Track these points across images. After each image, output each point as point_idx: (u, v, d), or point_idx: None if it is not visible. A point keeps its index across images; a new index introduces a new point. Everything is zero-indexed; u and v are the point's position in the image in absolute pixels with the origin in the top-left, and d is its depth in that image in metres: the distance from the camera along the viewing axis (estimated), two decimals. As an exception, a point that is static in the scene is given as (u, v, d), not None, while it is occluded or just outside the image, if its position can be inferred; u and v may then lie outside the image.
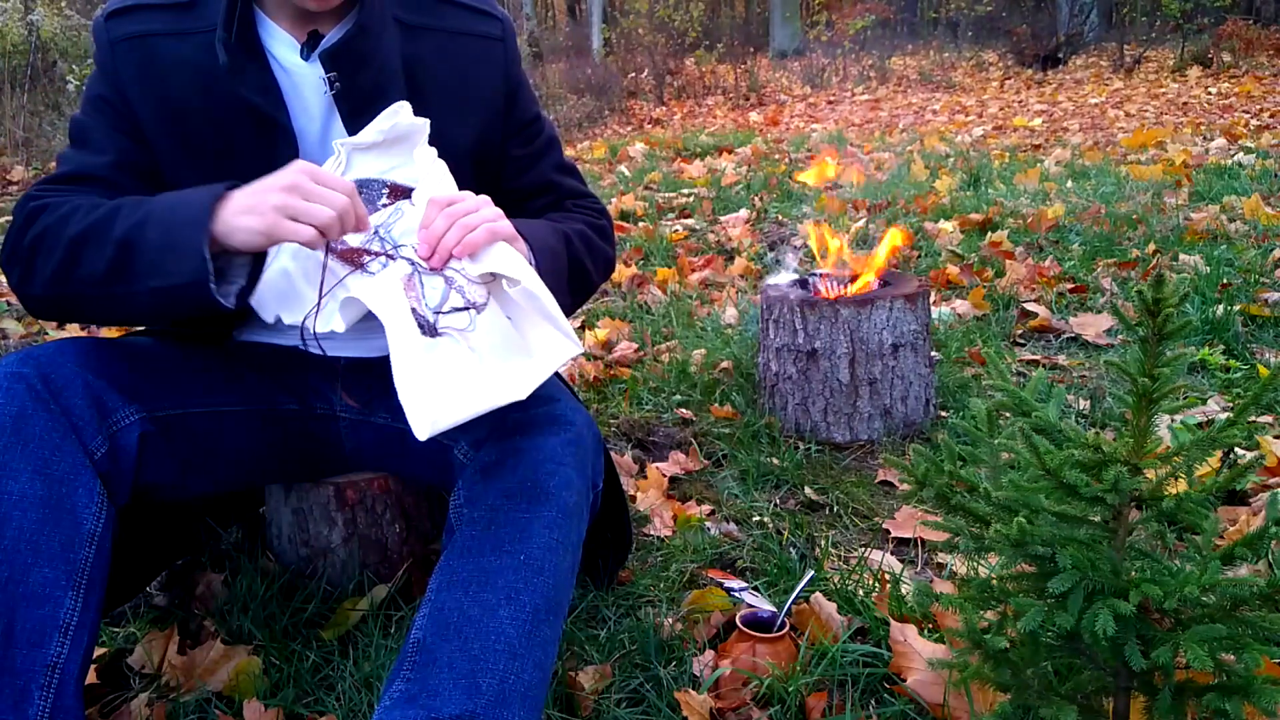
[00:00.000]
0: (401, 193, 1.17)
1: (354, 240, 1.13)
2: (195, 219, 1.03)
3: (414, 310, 1.06)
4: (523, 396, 1.06)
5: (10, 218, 1.18)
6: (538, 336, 1.11)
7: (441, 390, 1.02)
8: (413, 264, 1.10)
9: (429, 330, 1.05)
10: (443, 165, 1.18)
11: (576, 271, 1.29)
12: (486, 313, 1.09)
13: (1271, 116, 7.07)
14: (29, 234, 1.11)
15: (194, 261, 1.02)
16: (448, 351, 1.05)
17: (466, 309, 1.08)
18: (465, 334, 1.07)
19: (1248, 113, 7.42)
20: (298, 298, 1.14)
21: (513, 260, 1.10)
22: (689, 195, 5.21)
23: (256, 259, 1.11)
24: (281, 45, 1.19)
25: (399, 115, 1.15)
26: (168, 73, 1.17)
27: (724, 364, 2.48)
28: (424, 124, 1.17)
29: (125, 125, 1.19)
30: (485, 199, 1.14)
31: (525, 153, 1.37)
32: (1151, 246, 3.40)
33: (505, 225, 1.12)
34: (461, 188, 1.31)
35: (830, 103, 11.30)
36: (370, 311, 1.07)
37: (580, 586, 1.47)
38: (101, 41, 1.19)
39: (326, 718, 1.22)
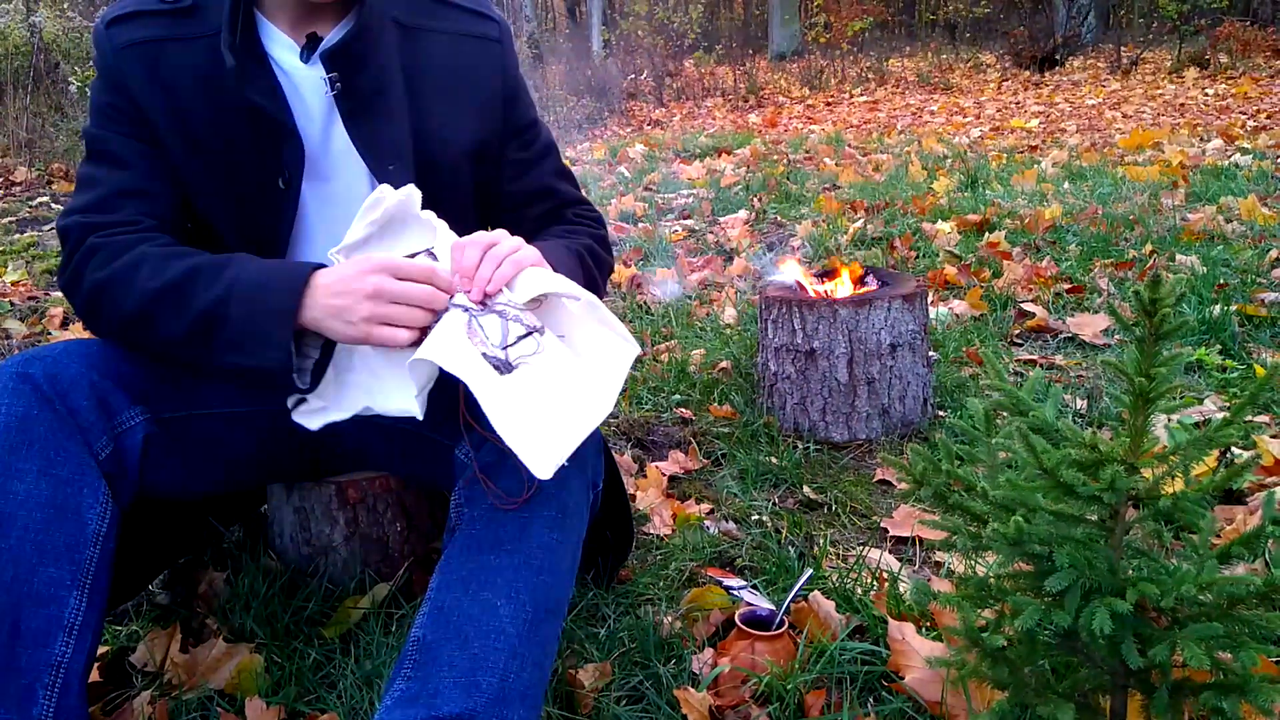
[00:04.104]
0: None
1: None
2: (284, 309, 1.05)
3: (484, 355, 1.03)
4: (610, 408, 1.06)
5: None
6: (599, 346, 1.11)
7: (542, 424, 1.00)
8: (465, 309, 1.07)
9: (504, 368, 1.03)
10: (445, 225, 1.15)
11: (591, 289, 1.30)
12: (547, 334, 1.09)
13: (1268, 118, 7.08)
14: (92, 276, 1.12)
15: (279, 352, 1.05)
16: (529, 383, 1.03)
17: (529, 334, 1.07)
18: (537, 357, 1.06)
19: (1244, 114, 7.43)
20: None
21: (556, 280, 1.11)
22: (688, 196, 5.22)
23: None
24: (281, 48, 1.20)
25: (384, 200, 1.12)
26: (173, 78, 1.17)
27: (723, 364, 2.48)
28: (410, 192, 1.13)
29: (141, 131, 1.19)
30: (502, 232, 1.13)
31: (524, 157, 1.38)
32: (1148, 247, 3.41)
33: (530, 252, 1.12)
34: (460, 190, 1.32)
35: (828, 104, 11.31)
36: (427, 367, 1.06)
37: (580, 585, 1.48)
38: (104, 49, 1.18)
39: (328, 716, 1.22)
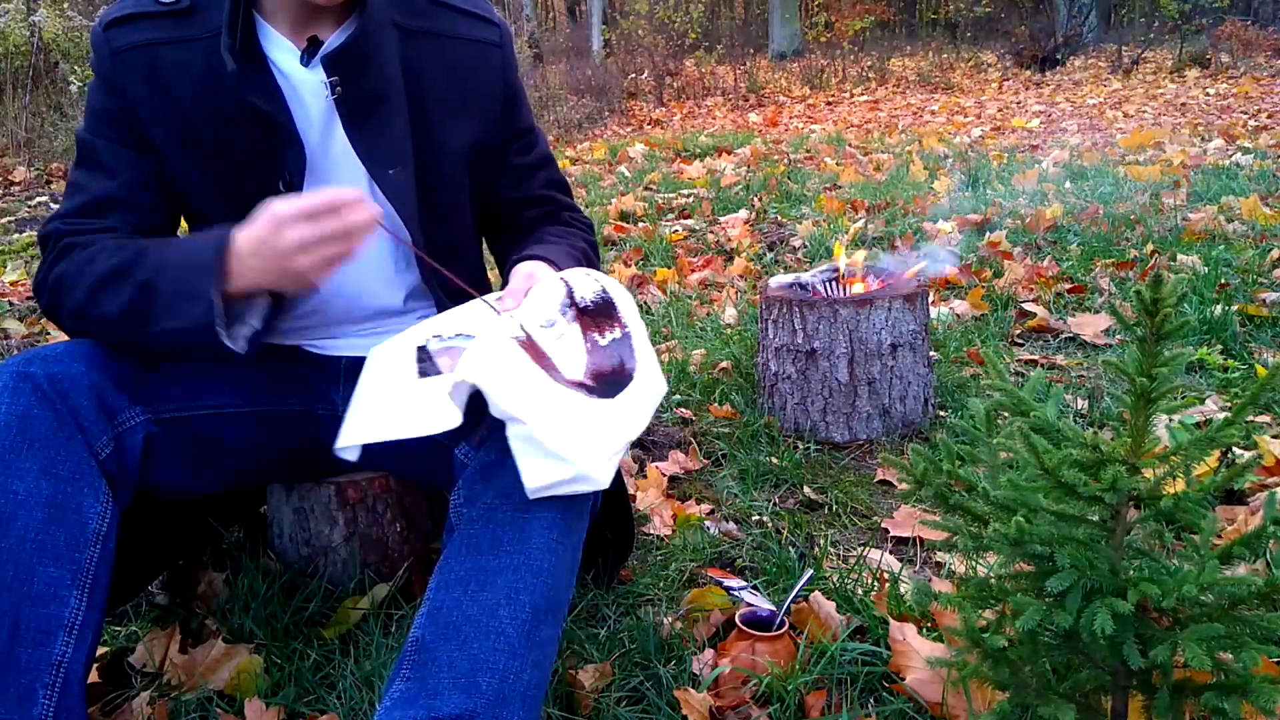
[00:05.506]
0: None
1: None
2: (205, 263, 1.06)
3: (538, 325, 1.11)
4: (640, 431, 1.10)
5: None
6: (648, 367, 1.15)
7: (594, 437, 1.04)
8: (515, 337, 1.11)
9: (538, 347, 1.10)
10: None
11: None
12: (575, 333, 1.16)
13: (1269, 117, 7.08)
14: (54, 270, 1.15)
15: (202, 305, 1.04)
16: (578, 402, 1.06)
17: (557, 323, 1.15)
18: (563, 341, 1.13)
19: (1245, 113, 7.43)
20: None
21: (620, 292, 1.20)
22: (688, 196, 5.22)
23: (275, 304, 1.14)
24: (281, 51, 1.19)
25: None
26: (172, 80, 1.17)
27: (723, 364, 2.48)
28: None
29: (133, 138, 1.19)
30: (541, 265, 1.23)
31: (524, 162, 1.40)
32: (1149, 247, 3.41)
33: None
34: (459, 194, 1.32)
35: (829, 104, 11.31)
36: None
37: (580, 585, 1.48)
38: (102, 51, 1.17)
39: (327, 716, 1.22)
